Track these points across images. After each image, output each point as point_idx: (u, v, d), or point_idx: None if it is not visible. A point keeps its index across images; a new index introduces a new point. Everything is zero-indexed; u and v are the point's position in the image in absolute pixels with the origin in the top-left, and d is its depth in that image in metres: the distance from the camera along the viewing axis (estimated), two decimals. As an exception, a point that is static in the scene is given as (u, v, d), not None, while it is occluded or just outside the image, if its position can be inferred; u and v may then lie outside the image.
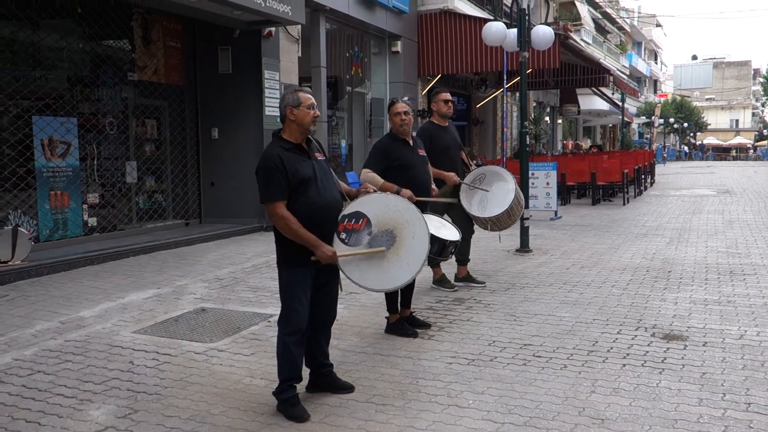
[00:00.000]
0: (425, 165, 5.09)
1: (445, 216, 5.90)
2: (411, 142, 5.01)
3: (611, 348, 4.48)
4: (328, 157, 3.80)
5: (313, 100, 3.55)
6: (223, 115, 10.37)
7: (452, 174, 5.87)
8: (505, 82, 13.08)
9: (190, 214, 10.40)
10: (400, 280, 3.61)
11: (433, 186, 5.25)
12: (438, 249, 4.54)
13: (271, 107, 10.23)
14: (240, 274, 7.04)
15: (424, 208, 4.83)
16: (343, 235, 3.57)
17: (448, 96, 6.07)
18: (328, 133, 12.50)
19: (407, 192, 4.70)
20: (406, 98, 5.16)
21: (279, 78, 10.43)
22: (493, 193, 6.07)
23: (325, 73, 11.62)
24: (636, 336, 4.73)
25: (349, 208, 3.62)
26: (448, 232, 4.73)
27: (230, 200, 10.37)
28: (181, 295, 6.10)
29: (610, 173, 14.70)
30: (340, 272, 3.66)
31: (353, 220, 3.59)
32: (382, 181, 4.81)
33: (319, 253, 3.42)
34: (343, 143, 13.66)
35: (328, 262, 3.46)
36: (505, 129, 14.04)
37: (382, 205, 3.65)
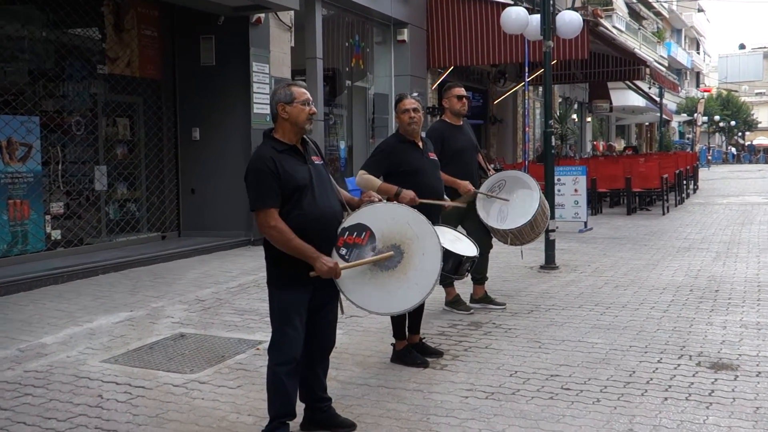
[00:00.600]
0: (436, 170, 5.10)
1: (460, 228, 5.90)
2: (420, 144, 5.02)
3: (651, 379, 4.45)
4: (326, 161, 3.79)
5: (309, 95, 3.57)
6: (205, 113, 10.42)
7: (466, 183, 5.87)
8: (526, 75, 13.11)
9: (167, 225, 10.43)
10: (407, 303, 3.60)
11: (446, 199, 5.25)
12: (452, 266, 4.52)
13: (261, 104, 10.28)
14: (224, 294, 7.04)
15: (436, 219, 4.82)
16: (343, 251, 3.56)
17: (462, 91, 6.08)
18: (325, 134, 12.55)
19: (409, 193, 4.72)
20: (415, 94, 5.18)
21: (269, 71, 10.48)
22: (514, 202, 6.08)
23: (321, 65, 11.68)
24: (679, 365, 4.71)
25: (350, 220, 3.62)
26: (464, 246, 4.73)
27: (213, 210, 10.40)
28: (157, 319, 6.10)
29: (647, 178, 14.71)
30: (340, 293, 3.66)
31: (355, 233, 3.58)
32: (379, 182, 4.82)
33: (318, 266, 3.41)
34: (342, 145, 13.71)
35: (329, 276, 3.45)
36: (526, 128, 14.05)
37: (389, 217, 3.64)
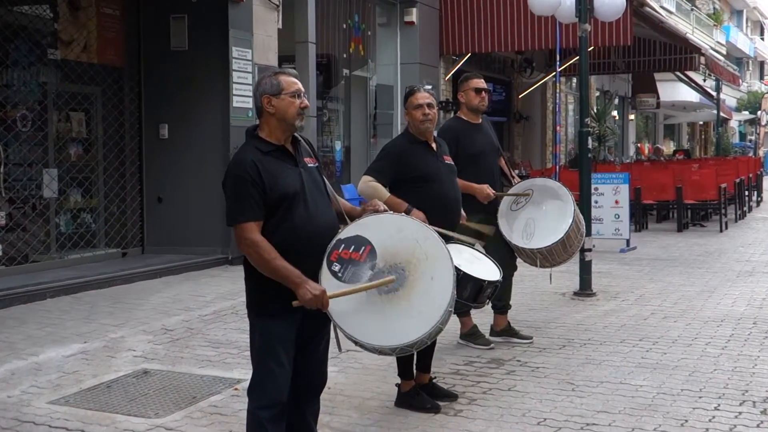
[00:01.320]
0: (453, 177, 5.10)
1: (477, 246, 5.88)
2: (434, 145, 5.03)
3: (707, 429, 4.44)
4: (321, 163, 3.80)
5: (299, 85, 3.59)
6: (175, 106, 10.45)
7: (484, 186, 5.87)
8: (558, 64, 13.17)
9: (129, 241, 10.44)
10: (409, 336, 3.57)
11: (463, 216, 5.24)
12: (471, 292, 4.51)
13: (242, 96, 10.32)
14: (197, 323, 7.03)
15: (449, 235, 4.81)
16: (336, 266, 3.54)
17: (481, 83, 6.09)
18: (318, 132, 12.59)
19: (419, 214, 4.70)
20: (428, 87, 5.19)
21: (252, 57, 10.52)
22: (543, 215, 6.08)
23: (314, 50, 11.72)
24: (740, 413, 4.69)
25: (348, 231, 3.60)
26: (485, 268, 4.71)
27: (184, 222, 10.41)
28: (116, 352, 6.08)
29: (701, 188, 14.73)
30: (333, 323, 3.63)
31: (352, 246, 3.56)
32: (388, 195, 4.81)
33: (301, 293, 3.39)
34: (338, 146, 13.76)
35: (313, 306, 3.42)
36: (557, 127, 14.12)
37: (394, 231, 3.63)
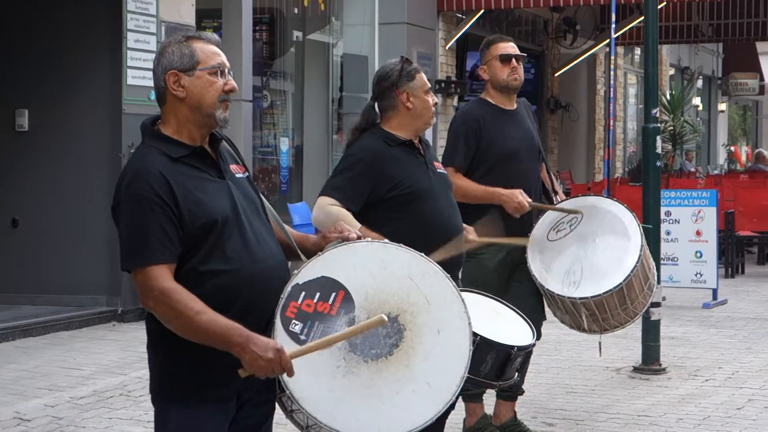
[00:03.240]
0: (447, 192, 5.17)
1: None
2: (419, 146, 5.10)
3: None
4: (251, 174, 3.82)
5: (223, 57, 3.59)
6: (39, 85, 10.51)
7: (516, 191, 5.83)
8: (613, 29, 13.28)
9: (-35, 284, 10.43)
10: (416, 420, 3.59)
11: (467, 230, 5.30)
12: (494, 365, 4.53)
13: (140, 69, 10.36)
14: (67, 410, 7.02)
15: (455, 277, 4.87)
16: (297, 326, 3.47)
17: (510, 47, 6.18)
18: (255, 125, 12.64)
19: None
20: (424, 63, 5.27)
21: (157, 11, 10.54)
22: (593, 251, 6.08)
23: (250, 1, 11.80)
24: None
25: (307, 271, 3.60)
26: (509, 326, 4.78)
27: (51, 257, 10.43)
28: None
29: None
30: (290, 403, 3.62)
31: (317, 294, 3.56)
32: (359, 226, 4.71)
33: (249, 358, 3.38)
34: (285, 145, 13.82)
35: (271, 373, 3.40)
36: (610, 121, 14.20)
37: (376, 267, 3.66)
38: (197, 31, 3.77)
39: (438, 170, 5.11)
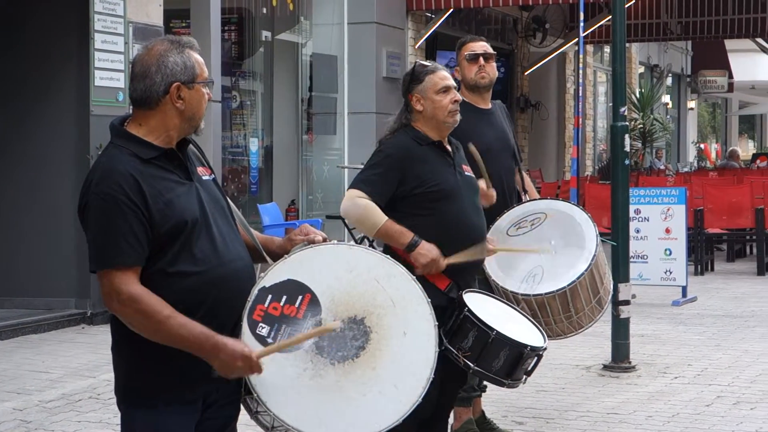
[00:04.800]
0: (474, 195, 5.22)
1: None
2: (449, 148, 5.17)
3: None
4: (218, 176, 3.84)
5: (201, 61, 3.59)
6: (6, 88, 10.46)
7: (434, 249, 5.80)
8: (582, 27, 13.31)
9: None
10: (381, 421, 3.60)
11: (489, 242, 5.34)
12: (506, 363, 4.58)
13: (108, 70, 10.32)
14: (36, 413, 7.01)
15: (472, 280, 5.01)
16: (264, 329, 3.51)
17: (477, 46, 6.24)
18: (224, 125, 12.63)
19: (430, 250, 4.82)
20: (426, 64, 5.27)
21: (125, 11, 10.50)
22: (551, 253, 6.04)
23: (218, 4, 11.76)
24: None
25: (274, 275, 3.62)
26: (522, 329, 4.82)
27: (17, 260, 10.41)
28: None
29: (795, 211, 14.88)
30: (256, 404, 3.65)
31: (284, 297, 3.58)
32: (385, 219, 4.89)
33: (220, 362, 3.41)
34: (254, 145, 13.82)
35: (240, 373, 3.44)
36: (576, 119, 14.21)
37: (342, 269, 3.68)
38: (187, 38, 3.66)
39: (466, 173, 5.22)
